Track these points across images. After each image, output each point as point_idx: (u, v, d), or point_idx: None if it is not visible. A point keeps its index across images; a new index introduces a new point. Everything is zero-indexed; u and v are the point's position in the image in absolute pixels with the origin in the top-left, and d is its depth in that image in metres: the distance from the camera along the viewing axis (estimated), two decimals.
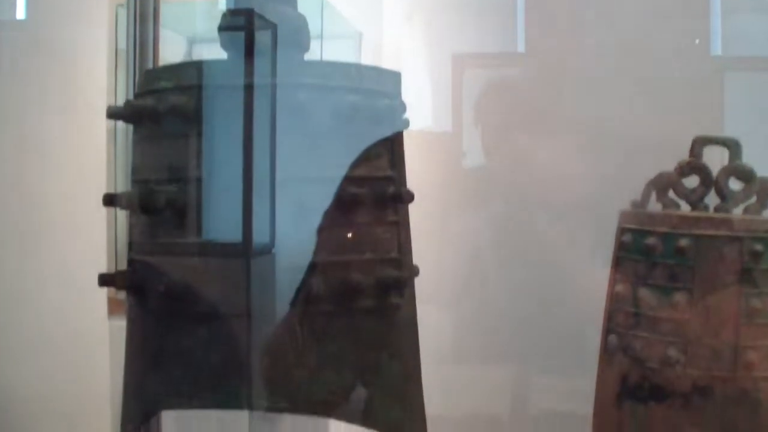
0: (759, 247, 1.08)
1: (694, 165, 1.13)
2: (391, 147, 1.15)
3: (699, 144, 1.13)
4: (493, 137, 1.77)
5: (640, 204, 1.14)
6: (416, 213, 1.63)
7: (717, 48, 1.79)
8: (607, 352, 1.14)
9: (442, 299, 1.71)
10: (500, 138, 1.78)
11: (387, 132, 1.15)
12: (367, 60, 1.76)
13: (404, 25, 1.77)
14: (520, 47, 1.81)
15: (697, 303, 1.07)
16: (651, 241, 1.10)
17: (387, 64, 1.75)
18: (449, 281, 1.70)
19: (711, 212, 1.13)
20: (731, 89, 1.74)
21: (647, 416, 1.10)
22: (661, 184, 1.14)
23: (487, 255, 1.73)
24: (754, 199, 1.14)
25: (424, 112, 1.77)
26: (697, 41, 1.78)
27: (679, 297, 1.08)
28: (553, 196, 1.68)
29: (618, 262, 1.14)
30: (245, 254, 1.03)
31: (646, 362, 1.10)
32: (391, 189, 1.13)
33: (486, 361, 1.72)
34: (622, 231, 1.14)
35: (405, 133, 1.79)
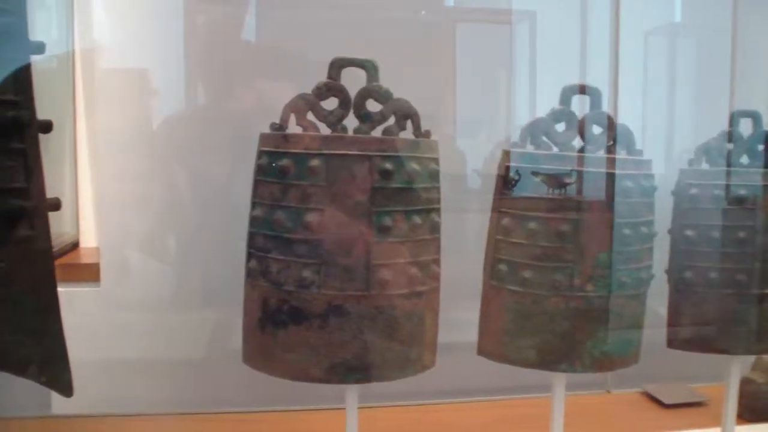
0: (389, 166, 1.07)
1: (331, 86, 1.12)
2: (15, 70, 1.07)
3: (337, 65, 1.12)
4: (223, 80, 1.72)
5: (280, 127, 1.11)
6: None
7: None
8: (249, 277, 1.11)
9: (143, 243, 1.66)
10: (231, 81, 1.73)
11: (8, 53, 1.07)
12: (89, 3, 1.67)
13: None
14: None
15: (329, 223, 1.05)
16: (285, 162, 1.07)
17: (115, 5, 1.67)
18: (149, 225, 1.65)
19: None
20: (462, 37, 1.75)
21: (288, 339, 1.08)
22: (298, 107, 1.12)
23: (189, 196, 1.69)
24: (392, 120, 1.12)
25: (155, 54, 1.69)
26: None
27: (312, 218, 1.06)
28: None
29: (256, 186, 1.11)
30: None
31: (283, 285, 1.08)
32: (12, 114, 1.05)
33: (185, 306, 1.69)
34: (259, 154, 1.11)
35: (126, 74, 1.72)
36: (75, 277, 1.70)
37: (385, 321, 1.10)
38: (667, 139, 2.12)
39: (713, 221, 1.26)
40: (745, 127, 1.30)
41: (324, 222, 1.07)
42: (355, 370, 1.10)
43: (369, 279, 1.08)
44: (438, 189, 1.15)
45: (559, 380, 1.24)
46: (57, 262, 1.61)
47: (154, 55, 1.69)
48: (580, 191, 1.17)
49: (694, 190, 1.27)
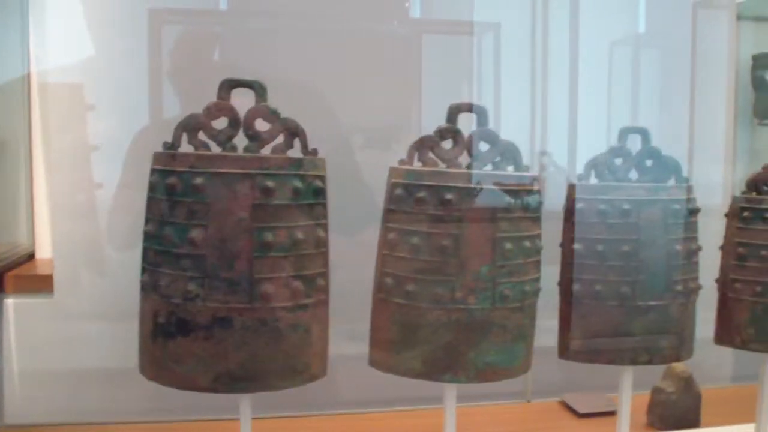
0: (270, 183, 1.12)
1: (220, 107, 1.17)
2: None
3: (226, 86, 1.18)
4: (191, 92, 1.76)
5: (171, 146, 1.17)
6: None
7: (416, 11, 1.86)
8: (143, 291, 1.17)
9: (96, 254, 1.70)
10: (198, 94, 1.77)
11: None
12: (46, 15, 1.72)
13: None
14: (223, 4, 1.80)
15: (213, 238, 1.11)
16: (172, 180, 1.13)
17: (71, 18, 1.71)
18: (103, 236, 1.70)
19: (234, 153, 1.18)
20: (428, 48, 1.80)
21: (176, 350, 1.13)
22: (190, 126, 1.17)
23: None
24: (281, 138, 1.18)
25: (121, 67, 1.74)
26: (407, 4, 1.83)
27: (196, 233, 1.11)
28: None
29: (148, 203, 1.16)
30: None
31: (171, 298, 1.13)
32: None
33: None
34: (151, 172, 1.17)
35: (79, 88, 1.77)
36: (29, 288, 1.74)
37: (269, 332, 1.15)
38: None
39: (599, 235, 1.30)
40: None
41: (207, 237, 1.13)
42: (241, 380, 1.15)
43: (252, 292, 1.13)
44: (324, 205, 1.20)
45: (449, 390, 1.28)
46: (11, 273, 1.68)
47: (109, 69, 1.73)
48: (462, 207, 1.20)
49: (581, 205, 1.30)
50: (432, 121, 1.90)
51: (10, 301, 1.72)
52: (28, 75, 1.89)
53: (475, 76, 1.90)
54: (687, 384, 1.61)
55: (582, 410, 1.68)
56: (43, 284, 1.75)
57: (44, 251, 1.92)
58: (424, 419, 1.53)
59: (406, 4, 1.91)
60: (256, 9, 1.81)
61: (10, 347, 1.72)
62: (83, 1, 1.75)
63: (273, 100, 1.68)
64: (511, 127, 1.84)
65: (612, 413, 1.65)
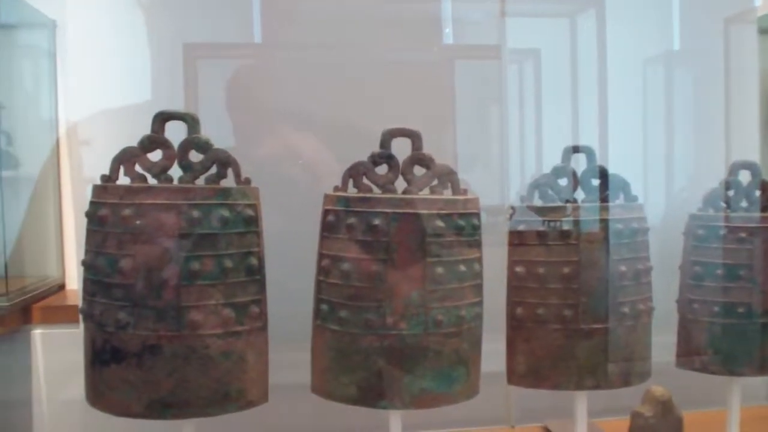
0: (196, 213, 1.17)
1: (154, 139, 1.21)
2: None
3: (159, 119, 1.21)
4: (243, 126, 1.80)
5: (108, 178, 1.21)
6: None
7: (449, 37, 1.88)
8: (83, 319, 1.21)
9: None
10: (246, 126, 1.82)
11: None
12: (67, 50, 1.79)
13: (130, 13, 1.79)
14: (257, 38, 1.84)
15: (140, 268, 1.15)
16: (103, 212, 1.17)
17: (91, 53, 1.79)
18: None
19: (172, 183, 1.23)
20: (461, 75, 1.82)
21: (111, 377, 1.17)
22: (124, 159, 1.21)
23: None
24: (214, 169, 1.21)
25: (156, 100, 1.78)
26: (446, 30, 1.86)
27: (125, 263, 1.15)
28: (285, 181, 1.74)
29: (87, 234, 1.21)
30: None
31: (105, 326, 1.16)
32: None
33: None
34: (90, 204, 1.21)
35: (105, 117, 1.84)
36: (56, 319, 1.80)
37: (199, 360, 1.17)
38: (667, 170, 2.11)
39: (539, 257, 1.27)
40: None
41: (136, 267, 1.16)
42: (172, 407, 1.17)
43: (179, 320, 1.16)
44: (257, 233, 1.22)
45: (394, 417, 1.27)
46: (38, 305, 1.74)
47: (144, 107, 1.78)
48: (391, 232, 1.20)
49: (522, 227, 1.28)
50: (465, 144, 1.89)
51: (38, 332, 1.77)
52: (56, 109, 1.94)
53: (505, 101, 1.88)
54: (666, 408, 1.55)
55: None
56: (68, 315, 1.79)
57: (75, 283, 1.97)
58: None
59: (446, 30, 1.91)
60: (291, 41, 1.82)
61: (38, 377, 1.77)
62: (103, 43, 1.79)
63: (307, 131, 1.69)
64: (546, 150, 1.83)
65: None
